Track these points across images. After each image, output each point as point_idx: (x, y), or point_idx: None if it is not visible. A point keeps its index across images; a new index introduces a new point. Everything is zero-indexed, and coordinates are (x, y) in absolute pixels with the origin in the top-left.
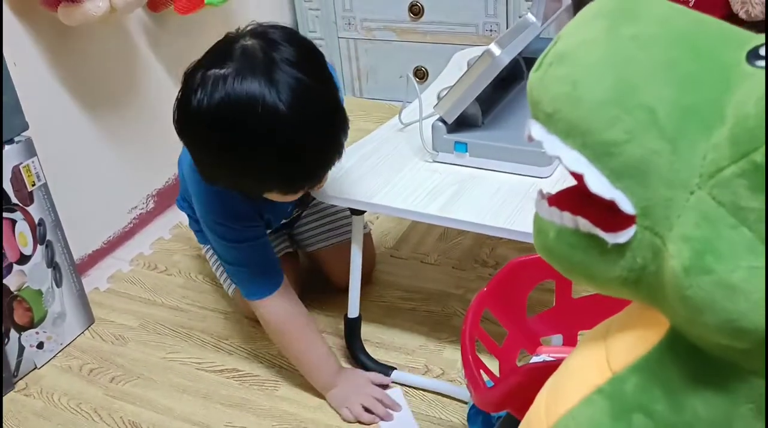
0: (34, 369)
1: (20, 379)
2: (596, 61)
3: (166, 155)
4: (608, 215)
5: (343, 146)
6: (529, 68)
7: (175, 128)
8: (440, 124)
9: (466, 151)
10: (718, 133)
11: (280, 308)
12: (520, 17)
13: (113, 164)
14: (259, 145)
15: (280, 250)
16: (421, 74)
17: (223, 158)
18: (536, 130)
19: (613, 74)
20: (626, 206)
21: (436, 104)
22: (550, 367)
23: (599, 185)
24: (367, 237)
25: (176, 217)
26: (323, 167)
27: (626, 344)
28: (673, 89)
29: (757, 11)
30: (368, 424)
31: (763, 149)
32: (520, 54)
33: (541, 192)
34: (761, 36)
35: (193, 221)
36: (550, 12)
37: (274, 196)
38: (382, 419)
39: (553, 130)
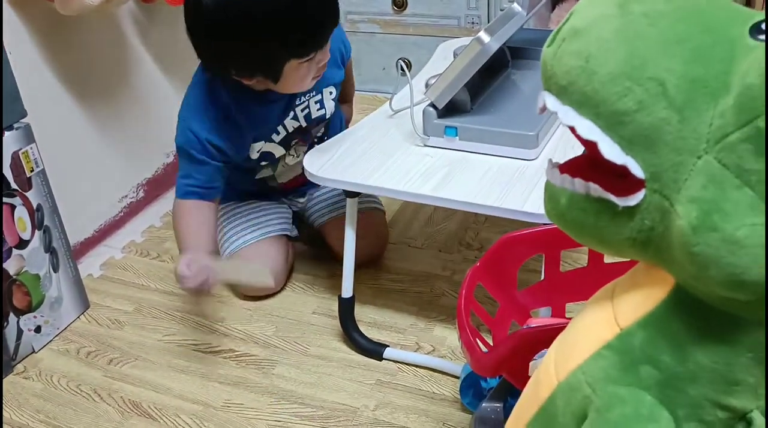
0: (32, 352)
1: (19, 362)
2: (609, 36)
3: (155, 145)
4: (618, 180)
5: (338, 11)
6: (513, 57)
7: (188, 27)
8: (431, 109)
9: (456, 135)
10: (723, 102)
11: (184, 206)
12: (501, 10)
13: (104, 154)
14: (271, 15)
15: (278, 230)
16: (408, 66)
17: (240, 38)
18: (551, 101)
19: (625, 48)
20: (637, 171)
21: (427, 90)
22: (541, 332)
23: (612, 152)
24: (380, 217)
25: (167, 206)
26: (324, 25)
27: (632, 302)
28: (682, 62)
29: None
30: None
31: (764, 116)
32: (504, 43)
33: (551, 161)
34: (763, 13)
35: None
36: (534, 3)
37: (293, 71)
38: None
39: (567, 102)
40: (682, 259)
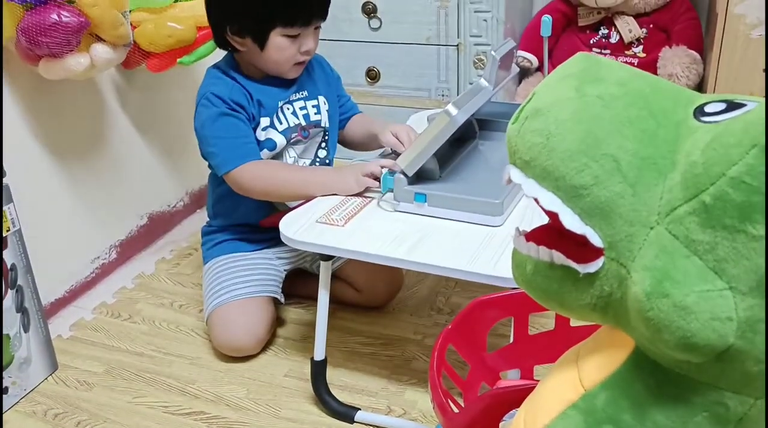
0: None
1: None
2: (567, 116)
3: (129, 207)
4: (579, 249)
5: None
6: (481, 128)
7: None
8: (401, 176)
9: (425, 201)
10: (671, 178)
11: (257, 165)
12: (470, 83)
13: (78, 214)
14: None
15: (267, 291)
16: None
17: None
18: (515, 174)
19: (582, 128)
20: (595, 240)
21: (398, 158)
22: (510, 393)
23: (572, 222)
24: None
25: (139, 267)
26: (311, 5)
27: (596, 364)
28: (633, 141)
29: (682, 83)
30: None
31: (708, 191)
32: (473, 115)
33: (518, 229)
34: (706, 95)
35: (206, 234)
36: (500, 78)
37: (278, 42)
38: (388, 172)
39: (530, 175)
40: (638, 323)
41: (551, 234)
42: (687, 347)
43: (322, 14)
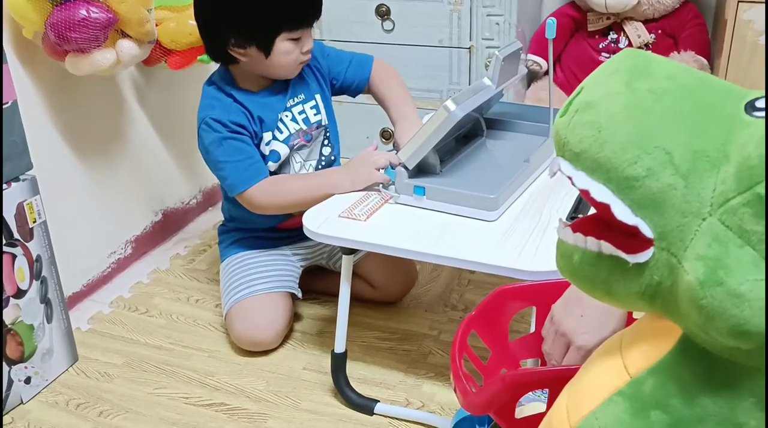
0: (20, 404)
1: (6, 413)
2: (618, 109)
3: (146, 203)
4: (628, 239)
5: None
6: (489, 127)
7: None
8: (402, 169)
9: (424, 194)
10: (724, 170)
11: (266, 183)
12: None
13: (97, 209)
14: None
15: (285, 287)
16: (387, 135)
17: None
18: (565, 166)
19: (633, 121)
20: (646, 231)
21: (399, 152)
22: (528, 375)
23: (624, 213)
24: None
25: (154, 263)
26: (313, 7)
27: (641, 351)
28: (685, 134)
29: None
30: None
31: (763, 184)
32: (482, 114)
33: (561, 220)
34: (756, 92)
35: (223, 233)
36: (505, 78)
37: (282, 47)
38: (390, 166)
39: (580, 167)
40: (690, 311)
41: (598, 224)
42: (739, 334)
43: (319, 13)
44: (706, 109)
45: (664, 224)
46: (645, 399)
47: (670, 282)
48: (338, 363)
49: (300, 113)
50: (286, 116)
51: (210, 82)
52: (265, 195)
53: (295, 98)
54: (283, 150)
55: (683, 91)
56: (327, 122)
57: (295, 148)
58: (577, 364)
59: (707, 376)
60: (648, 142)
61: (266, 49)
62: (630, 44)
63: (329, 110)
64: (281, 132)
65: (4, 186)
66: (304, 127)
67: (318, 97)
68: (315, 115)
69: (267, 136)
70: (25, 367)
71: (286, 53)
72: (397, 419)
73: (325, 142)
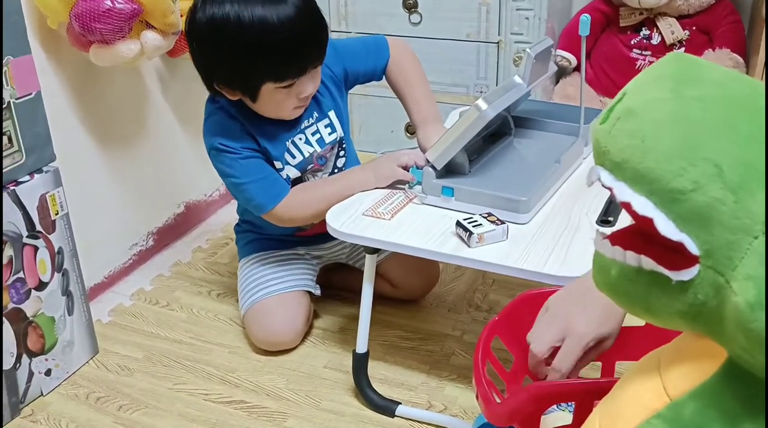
0: (40, 396)
1: (26, 405)
2: (664, 117)
3: (168, 194)
4: (670, 255)
5: (321, 45)
6: (518, 126)
7: (186, 32)
8: (430, 169)
9: (453, 196)
10: None
11: (292, 197)
12: None
13: (119, 201)
14: (250, 36)
15: (302, 285)
16: (412, 130)
17: (221, 52)
18: (605, 176)
19: (680, 130)
20: (692, 247)
21: (427, 152)
22: (553, 387)
23: (668, 228)
24: None
25: (175, 256)
26: (299, 55)
27: (682, 372)
28: (735, 146)
29: None
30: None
31: None
32: (509, 112)
33: (599, 232)
34: None
35: (238, 233)
36: (536, 76)
37: (270, 94)
38: (415, 166)
39: (621, 178)
40: (736, 334)
41: (638, 238)
42: None
43: (320, 58)
44: (758, 119)
45: (711, 241)
46: (685, 423)
47: (716, 302)
48: (360, 363)
49: (314, 134)
50: (300, 139)
51: (214, 100)
52: (294, 208)
53: (310, 119)
54: (294, 174)
55: (733, 99)
56: (342, 134)
57: (308, 171)
58: (574, 356)
59: (751, 401)
60: (695, 153)
61: (251, 95)
62: (663, 40)
63: (344, 120)
64: (293, 157)
65: (27, 177)
66: (319, 150)
67: (332, 113)
68: (330, 133)
69: (277, 164)
70: (46, 359)
71: (277, 102)
72: (419, 422)
73: (341, 152)
